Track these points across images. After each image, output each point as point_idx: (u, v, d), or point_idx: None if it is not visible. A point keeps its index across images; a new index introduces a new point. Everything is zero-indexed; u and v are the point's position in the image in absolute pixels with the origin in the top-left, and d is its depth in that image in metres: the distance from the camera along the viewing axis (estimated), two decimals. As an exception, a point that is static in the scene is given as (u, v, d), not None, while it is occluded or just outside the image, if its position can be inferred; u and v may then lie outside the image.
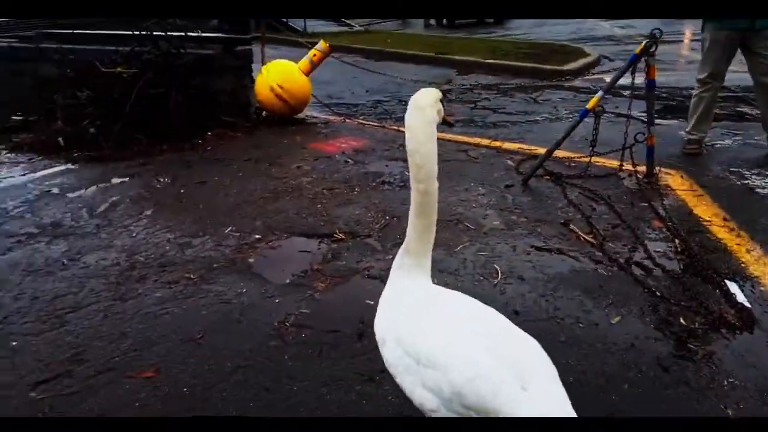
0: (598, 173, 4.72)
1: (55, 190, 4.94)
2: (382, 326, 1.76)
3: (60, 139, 6.54)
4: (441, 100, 1.75)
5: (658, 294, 2.92)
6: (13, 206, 4.56)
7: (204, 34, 8.16)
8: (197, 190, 4.80)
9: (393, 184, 4.72)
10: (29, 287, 3.22)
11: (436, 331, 1.61)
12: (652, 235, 3.64)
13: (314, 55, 7.52)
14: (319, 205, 4.29)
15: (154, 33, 7.09)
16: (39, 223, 4.20)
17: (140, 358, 2.56)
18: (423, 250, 1.82)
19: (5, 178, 5.43)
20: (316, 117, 7.55)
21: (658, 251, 3.39)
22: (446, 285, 2.89)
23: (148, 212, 4.33)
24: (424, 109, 1.69)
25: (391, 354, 1.68)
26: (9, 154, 6.37)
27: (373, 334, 1.79)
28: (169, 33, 7.27)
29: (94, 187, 4.98)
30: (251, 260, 3.48)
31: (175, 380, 2.40)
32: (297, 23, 18.54)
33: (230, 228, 3.95)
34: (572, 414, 1.46)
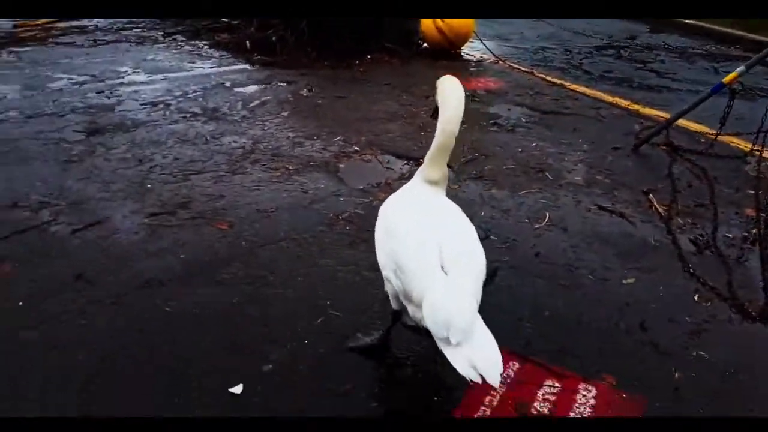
0: (722, 153, 4.39)
1: (227, 84, 5.93)
2: (383, 206, 2.20)
3: (247, 42, 7.62)
4: None
5: (692, 272, 2.89)
6: (193, 90, 5.63)
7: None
8: (333, 103, 5.45)
9: (501, 127, 4.89)
10: (175, 151, 4.15)
11: (408, 219, 2.01)
12: (734, 221, 3.44)
13: (484, -7, 7.59)
14: (422, 133, 4.67)
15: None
16: (204, 106, 5.18)
17: (224, 214, 3.30)
18: (433, 172, 2.17)
19: (197, 67, 6.61)
20: (471, 55, 7.72)
21: (728, 236, 3.24)
22: (492, 219, 3.21)
23: (285, 114, 5.08)
24: (457, 88, 2.13)
25: (378, 223, 2.16)
26: (208, 49, 7.62)
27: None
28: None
29: (255, 86, 5.88)
30: (341, 165, 4.03)
31: (239, 235, 3.09)
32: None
33: (339, 137, 4.53)
34: (469, 300, 1.74)
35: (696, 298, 2.70)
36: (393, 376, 2.20)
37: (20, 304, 2.46)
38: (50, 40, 8.09)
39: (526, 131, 4.81)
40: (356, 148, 4.34)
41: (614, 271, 2.90)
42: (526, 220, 3.36)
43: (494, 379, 1.58)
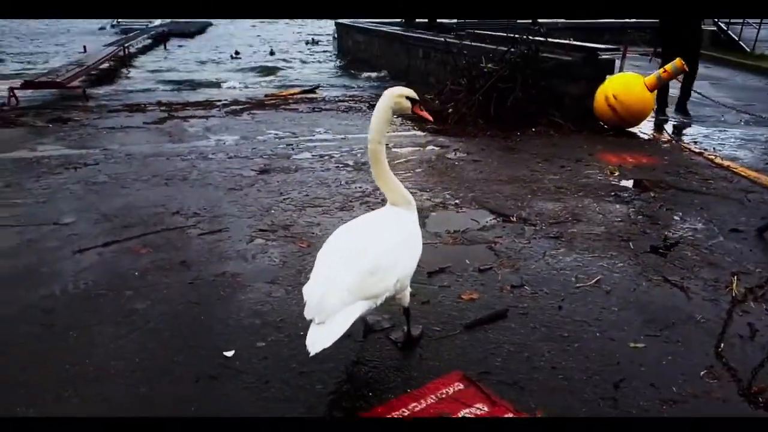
0: None
1: (390, 144, 6.82)
2: None
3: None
4: (411, 98, 2.52)
5: (719, 351, 2.64)
6: (359, 148, 6.62)
7: (571, 42, 8.97)
8: (468, 165, 5.92)
9: (619, 198, 4.81)
10: (311, 190, 5.08)
11: (338, 232, 2.54)
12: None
13: (664, 71, 7.39)
14: (529, 196, 4.86)
15: (516, 37, 8.38)
16: (357, 160, 6.09)
17: (310, 236, 3.99)
18: (388, 195, 2.62)
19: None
20: (646, 133, 7.47)
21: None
22: (537, 273, 3.37)
23: (418, 170, 5.72)
24: (386, 96, 2.52)
25: None
26: (395, 119, 8.70)
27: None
28: (533, 38, 8.42)
29: (411, 148, 6.67)
30: (432, 213, 4.48)
31: (312, 251, 3.74)
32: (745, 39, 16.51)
33: (448, 192, 4.98)
34: (337, 291, 2.14)
35: (702, 373, 2.50)
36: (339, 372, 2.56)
37: (135, 274, 3.44)
38: (282, 107, 10.11)
39: (643, 205, 4.65)
40: (457, 201, 4.74)
41: (627, 332, 2.81)
42: (573, 279, 3.38)
43: (310, 348, 2.02)
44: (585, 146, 6.68)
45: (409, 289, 2.54)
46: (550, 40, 8.88)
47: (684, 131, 7.65)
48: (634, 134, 7.41)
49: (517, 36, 8.60)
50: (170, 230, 4.11)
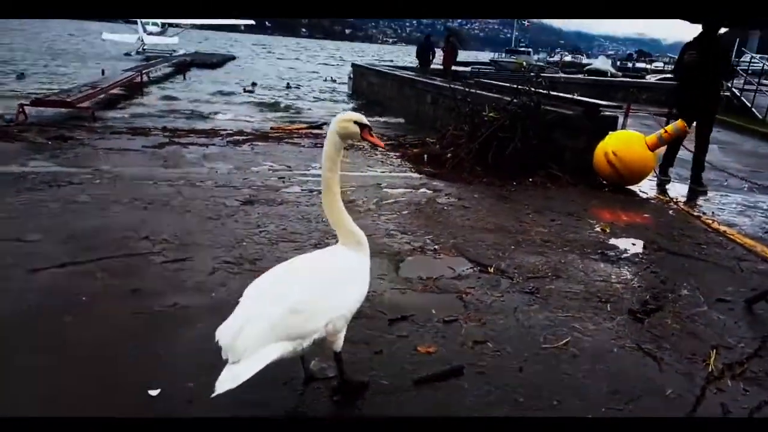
0: None
1: (383, 185, 6.72)
2: None
3: (425, 156, 8.49)
4: (360, 123, 2.38)
5: None
6: (350, 186, 6.50)
7: (573, 97, 8.95)
8: (456, 210, 5.78)
9: (606, 257, 4.62)
10: (290, 224, 4.94)
11: (275, 269, 2.42)
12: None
13: (665, 131, 7.29)
14: (513, 247, 4.69)
15: (519, 87, 8.37)
16: (347, 198, 5.95)
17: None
18: (338, 232, 2.48)
19: (371, 171, 7.61)
20: (645, 192, 7.31)
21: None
22: (505, 330, 3.19)
23: (404, 212, 5.58)
24: (333, 122, 2.43)
25: None
26: (395, 159, 8.69)
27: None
28: (535, 90, 8.40)
29: (403, 189, 6.55)
30: (409, 258, 4.32)
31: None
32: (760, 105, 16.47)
33: (430, 236, 4.83)
34: (253, 330, 2.03)
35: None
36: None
37: (83, 299, 3.29)
38: (285, 140, 10.11)
39: (629, 266, 4.46)
40: (437, 247, 4.58)
41: (588, 404, 2.60)
42: (540, 339, 3.18)
43: (216, 387, 1.92)
44: (580, 201, 6.53)
45: (342, 333, 2.35)
46: (552, 93, 8.86)
47: (684, 193, 7.47)
48: (632, 192, 7.25)
49: (520, 87, 8.59)
50: (133, 255, 3.98)
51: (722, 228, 5.69)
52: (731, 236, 5.43)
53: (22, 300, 3.21)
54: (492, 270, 4.15)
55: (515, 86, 8.76)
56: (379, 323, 3.21)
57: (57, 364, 2.63)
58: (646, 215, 6.12)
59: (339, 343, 2.38)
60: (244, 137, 10.07)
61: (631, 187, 7.39)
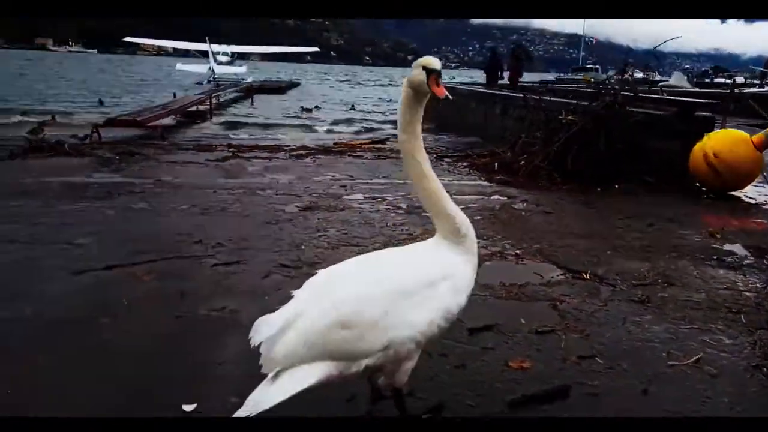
0: None
1: (452, 191, 6.19)
2: None
3: (496, 164, 7.91)
4: (428, 68, 1.81)
5: None
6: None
7: (664, 96, 8.13)
8: (537, 216, 5.18)
9: (723, 263, 3.90)
10: (353, 229, 4.52)
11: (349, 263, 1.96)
12: None
13: (776, 129, 6.41)
14: (609, 252, 4.04)
15: (601, 87, 7.66)
16: (411, 205, 5.44)
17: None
18: (426, 203, 1.97)
19: (447, 181, 7.06)
20: (753, 198, 6.42)
21: None
22: (615, 343, 2.61)
23: (477, 218, 5.01)
24: (413, 69, 1.86)
25: None
26: (463, 168, 8.17)
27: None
28: (621, 91, 7.68)
29: (474, 196, 6.01)
30: (488, 263, 3.75)
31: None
32: None
33: (509, 242, 4.25)
34: (283, 344, 1.65)
35: None
36: None
37: (123, 302, 2.94)
38: (348, 153, 9.80)
39: (757, 273, 3.72)
40: (518, 251, 4.00)
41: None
42: (663, 354, 2.54)
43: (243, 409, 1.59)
44: (678, 207, 5.76)
45: (410, 365, 1.78)
46: (639, 93, 8.09)
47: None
48: (738, 198, 6.38)
49: (602, 87, 7.90)
50: (184, 258, 3.64)
51: None
52: None
53: (60, 302, 2.90)
54: (588, 276, 3.53)
55: (598, 87, 8.05)
56: (457, 333, 2.67)
57: (81, 371, 2.26)
58: (761, 220, 5.29)
59: (402, 378, 1.79)
60: (307, 152, 9.83)
61: (735, 193, 6.51)
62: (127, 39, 46.22)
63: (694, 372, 2.40)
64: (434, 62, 1.84)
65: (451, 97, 1.89)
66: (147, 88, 32.60)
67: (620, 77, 7.58)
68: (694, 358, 2.50)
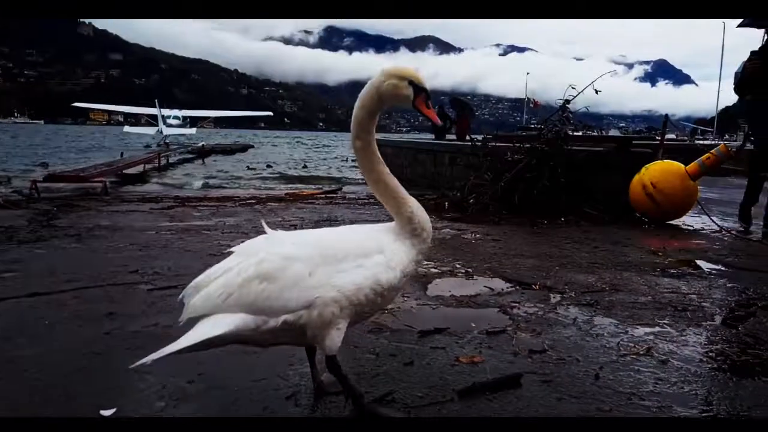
0: None
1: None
2: None
3: (446, 203, 7.98)
4: (416, 84, 1.74)
5: None
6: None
7: (603, 134, 8.49)
8: (485, 243, 5.17)
9: (665, 272, 3.94)
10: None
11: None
12: None
13: (707, 158, 6.72)
14: (557, 267, 4.04)
15: (542, 127, 7.96)
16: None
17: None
18: (380, 195, 1.91)
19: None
20: (690, 225, 6.64)
21: None
22: (566, 338, 2.54)
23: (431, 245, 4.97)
24: (377, 75, 1.78)
25: None
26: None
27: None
28: (561, 127, 7.97)
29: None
30: (438, 280, 3.68)
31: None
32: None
33: (459, 262, 4.21)
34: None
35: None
36: None
37: (45, 322, 2.71)
38: (300, 201, 9.73)
39: (699, 280, 3.78)
40: (469, 270, 3.95)
41: (699, 406, 1.89)
42: (614, 346, 2.49)
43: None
44: (621, 234, 5.89)
45: (335, 331, 1.68)
46: (579, 133, 8.41)
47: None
48: (676, 226, 6.59)
49: (543, 126, 8.19)
50: (116, 285, 3.43)
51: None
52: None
53: (-29, 325, 2.64)
54: (537, 287, 3.50)
55: (540, 127, 8.34)
56: (407, 336, 2.57)
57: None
58: (700, 242, 5.45)
59: (331, 342, 1.68)
60: (257, 200, 9.71)
61: (674, 222, 6.73)
62: (76, 104, 45.75)
63: (646, 359, 2.35)
64: (422, 77, 1.75)
65: (439, 121, 1.88)
66: (95, 152, 32.01)
67: (561, 115, 7.87)
68: (645, 347, 2.46)
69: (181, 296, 1.67)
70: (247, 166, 22.28)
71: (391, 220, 1.91)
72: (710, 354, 2.42)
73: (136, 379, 2.08)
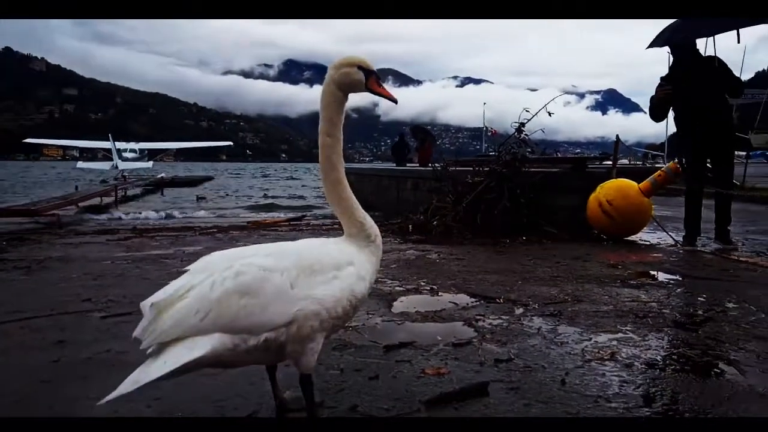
0: None
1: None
2: None
3: (410, 226, 7.99)
4: (365, 68, 1.82)
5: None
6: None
7: (558, 156, 8.69)
8: (449, 263, 5.18)
9: (624, 283, 4.01)
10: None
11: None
12: None
13: (659, 175, 6.94)
14: (519, 282, 4.07)
15: (500, 150, 8.12)
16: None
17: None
18: (334, 205, 1.90)
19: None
20: (647, 241, 6.81)
21: None
22: (532, 347, 2.53)
23: (393, 266, 4.96)
24: (330, 69, 1.86)
25: None
26: (384, 234, 8.15)
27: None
28: (517, 149, 8.13)
29: (391, 252, 5.96)
30: (403, 298, 3.65)
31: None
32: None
33: (424, 280, 4.19)
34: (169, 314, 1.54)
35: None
36: None
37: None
38: (263, 230, 9.59)
39: (657, 289, 3.85)
40: (433, 287, 3.94)
41: (668, 403, 1.89)
42: (578, 352, 2.50)
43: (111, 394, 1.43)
44: (581, 250, 5.99)
45: (315, 345, 1.65)
46: (534, 155, 8.59)
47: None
48: (633, 241, 6.74)
49: (501, 148, 8.35)
50: (68, 314, 3.28)
51: (744, 258, 5.15)
52: (757, 263, 4.88)
53: None
54: (501, 300, 3.51)
55: (497, 149, 8.50)
56: (372, 351, 2.52)
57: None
58: (656, 255, 5.59)
59: (308, 360, 1.64)
60: (219, 229, 9.54)
61: (631, 238, 6.89)
62: (28, 140, 44.52)
63: (610, 363, 2.36)
64: (368, 61, 1.84)
65: (396, 100, 1.91)
66: (48, 187, 31.05)
67: (517, 137, 8.04)
68: (609, 352, 2.47)
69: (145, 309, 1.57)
70: (197, 195, 21.94)
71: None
72: (673, 356, 2.45)
73: (87, 406, 1.96)
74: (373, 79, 1.84)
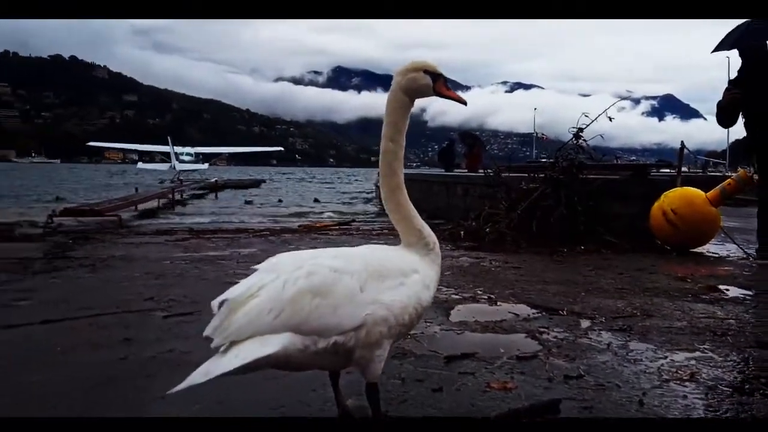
0: None
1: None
2: None
3: (462, 232, 7.87)
4: (432, 72, 1.78)
5: None
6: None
7: (618, 162, 8.40)
8: (506, 271, 5.05)
9: (698, 297, 3.79)
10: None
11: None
12: None
13: (729, 183, 6.59)
14: (583, 293, 3.91)
15: (558, 155, 7.88)
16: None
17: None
18: (393, 215, 1.87)
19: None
20: (715, 253, 6.46)
21: None
22: (603, 364, 2.42)
23: (447, 273, 4.86)
24: (397, 74, 1.82)
25: None
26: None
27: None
28: (576, 154, 7.88)
29: (444, 258, 5.86)
30: (459, 306, 3.56)
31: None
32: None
33: (480, 289, 4.09)
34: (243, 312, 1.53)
35: None
36: None
37: (58, 349, 2.62)
38: (314, 234, 9.68)
39: (734, 305, 3.62)
40: (491, 296, 3.83)
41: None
42: (655, 371, 2.35)
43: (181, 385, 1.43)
44: (645, 261, 5.73)
45: (382, 351, 1.61)
46: (592, 161, 8.31)
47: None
48: (700, 253, 6.41)
49: (558, 154, 8.11)
50: (131, 312, 3.35)
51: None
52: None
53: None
54: (565, 312, 3.37)
55: (555, 155, 8.25)
56: (433, 361, 2.45)
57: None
58: (727, 268, 5.28)
59: (375, 367, 1.61)
60: (271, 232, 9.67)
61: (697, 250, 6.56)
62: (91, 144, 46.59)
63: (691, 384, 2.20)
64: (435, 65, 1.80)
65: (464, 102, 1.86)
66: (110, 188, 32.40)
67: (575, 143, 7.79)
68: (688, 372, 2.32)
69: (217, 306, 1.59)
70: (245, 200, 22.38)
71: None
72: (761, 380, 2.27)
73: (153, 405, 1.97)
74: (440, 82, 1.80)
